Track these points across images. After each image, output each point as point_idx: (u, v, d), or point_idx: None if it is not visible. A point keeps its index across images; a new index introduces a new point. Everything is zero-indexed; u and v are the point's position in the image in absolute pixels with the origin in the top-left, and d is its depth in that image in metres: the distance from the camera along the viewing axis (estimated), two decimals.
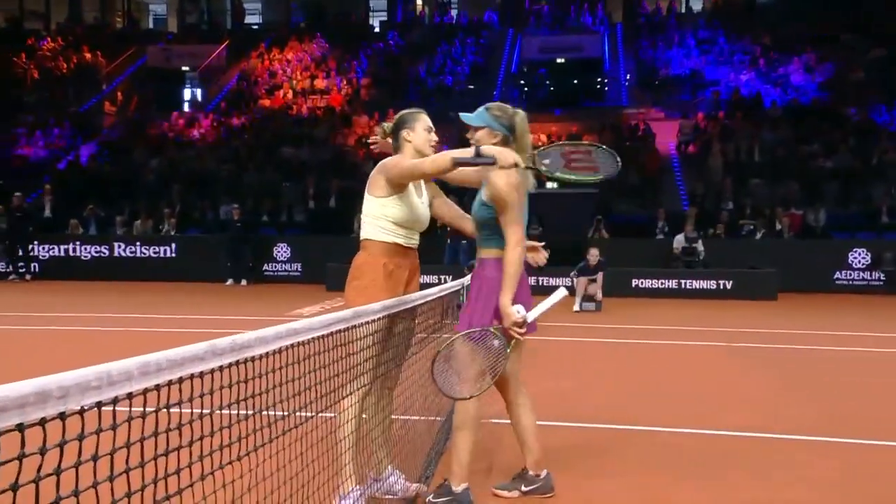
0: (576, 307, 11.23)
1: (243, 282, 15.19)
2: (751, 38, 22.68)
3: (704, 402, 5.59)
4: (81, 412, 1.16)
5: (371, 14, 30.22)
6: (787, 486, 3.65)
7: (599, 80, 23.62)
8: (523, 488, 3.43)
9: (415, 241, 3.40)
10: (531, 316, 3.16)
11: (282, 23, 28.73)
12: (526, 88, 24.79)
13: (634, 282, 13.75)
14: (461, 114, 3.33)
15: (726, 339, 8.62)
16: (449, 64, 23.59)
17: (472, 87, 22.83)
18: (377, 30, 27.94)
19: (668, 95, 21.03)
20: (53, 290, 13.76)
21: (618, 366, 7.18)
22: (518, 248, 3.13)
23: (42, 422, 1.06)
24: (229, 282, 15.19)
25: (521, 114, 3.27)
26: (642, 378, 6.54)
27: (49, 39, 26.29)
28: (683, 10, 27.37)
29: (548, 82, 24.82)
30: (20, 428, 1.02)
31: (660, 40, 23.76)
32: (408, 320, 3.39)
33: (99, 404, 1.19)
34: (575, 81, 25.02)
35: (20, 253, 15.71)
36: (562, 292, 3.32)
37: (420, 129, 3.38)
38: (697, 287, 13.62)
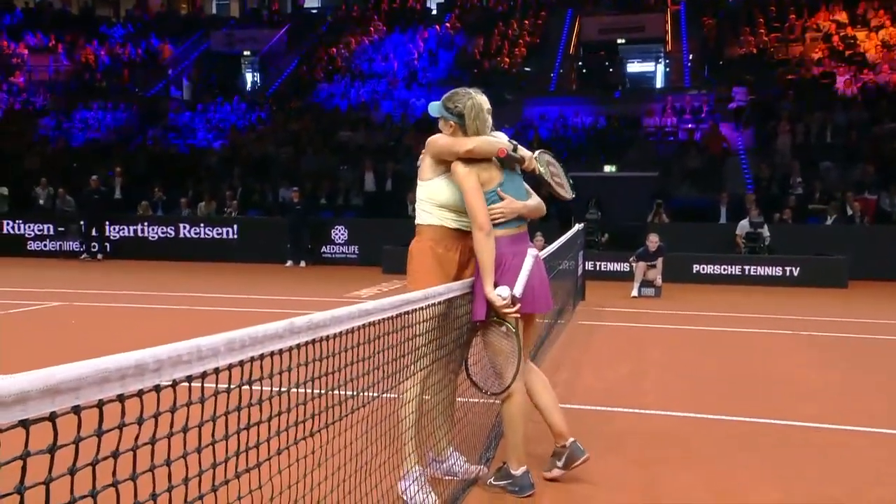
0: (634, 292, 11.07)
1: (302, 263, 15.47)
2: (824, 14, 21.74)
3: (770, 390, 5.45)
4: (174, 385, 1.21)
5: None
6: (866, 486, 3.53)
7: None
8: (558, 464, 3.45)
9: (463, 222, 3.33)
10: (518, 290, 3.15)
11: (340, 6, 28.92)
12: (584, 70, 24.40)
13: (696, 267, 13.45)
14: (430, 104, 3.42)
15: (793, 327, 8.38)
16: (506, 46, 23.37)
17: (528, 69, 22.58)
18: (434, 12, 27.85)
19: (734, 75, 20.36)
20: (125, 270, 14.30)
21: (678, 352, 7.06)
22: (482, 233, 3.12)
23: (140, 393, 1.12)
24: (289, 263, 15.51)
25: (472, 101, 3.24)
26: (704, 365, 6.42)
27: (119, 26, 27.14)
28: None
29: (607, 63, 24.36)
30: (121, 398, 1.08)
31: (725, 18, 23.00)
32: (469, 304, 3.39)
33: (189, 378, 1.24)
34: (636, 62, 24.52)
35: (94, 233, 16.35)
36: (533, 252, 3.30)
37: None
38: (762, 273, 13.24)
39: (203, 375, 1.28)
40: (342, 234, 16.11)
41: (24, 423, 0.91)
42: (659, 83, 24.27)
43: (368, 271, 13.96)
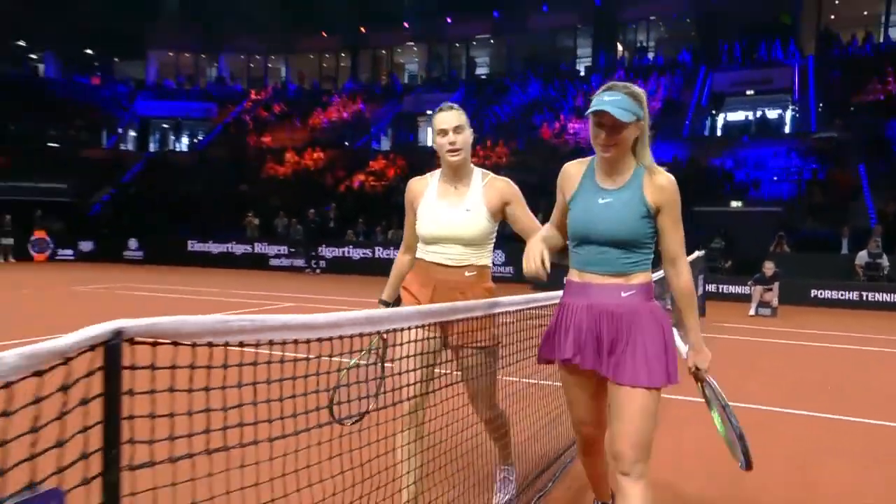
0: (751, 311, 10.48)
1: None
2: None
3: (873, 394, 5.09)
4: (351, 337, 1.70)
5: (577, 61, 30.17)
6: None
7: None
8: None
9: (444, 254, 2.43)
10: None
11: (504, 71, 29.84)
12: (717, 118, 23.21)
13: (813, 292, 12.36)
14: (610, 109, 1.94)
15: None
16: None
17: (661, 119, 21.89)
18: (582, 74, 27.88)
19: (861, 120, 18.45)
20: (337, 281, 15.77)
21: (787, 362, 6.68)
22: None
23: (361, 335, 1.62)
24: None
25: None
26: (811, 372, 6.05)
27: (336, 96, 29.98)
28: (882, 40, 23.73)
29: (740, 111, 23.05)
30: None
31: (854, 69, 20.90)
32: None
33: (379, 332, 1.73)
34: (765, 111, 22.95)
35: (312, 253, 18.30)
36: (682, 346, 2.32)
37: (434, 134, 2.52)
38: (881, 300, 11.90)
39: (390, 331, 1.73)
40: (499, 257, 16.60)
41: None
42: (787, 129, 22.53)
43: (520, 287, 14.24)
